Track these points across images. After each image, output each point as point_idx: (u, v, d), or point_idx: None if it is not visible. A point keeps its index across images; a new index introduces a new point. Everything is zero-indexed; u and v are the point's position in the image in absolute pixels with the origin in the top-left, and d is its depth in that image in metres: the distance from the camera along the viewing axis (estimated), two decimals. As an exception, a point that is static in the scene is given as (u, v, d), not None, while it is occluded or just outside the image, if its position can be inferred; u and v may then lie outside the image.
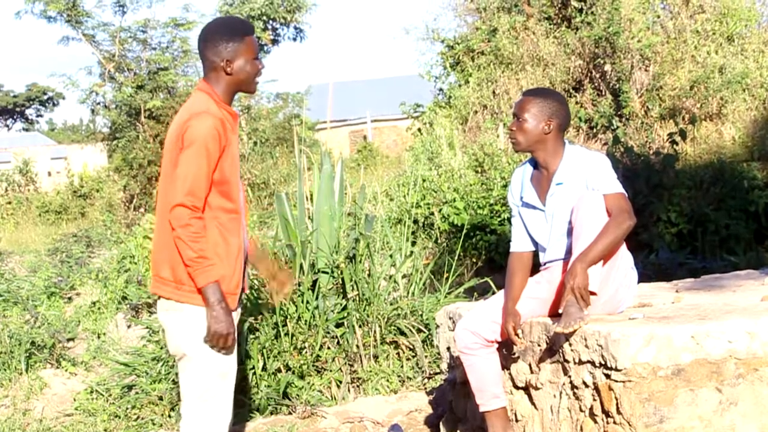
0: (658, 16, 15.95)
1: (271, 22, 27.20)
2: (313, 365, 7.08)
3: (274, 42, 27.86)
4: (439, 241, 12.40)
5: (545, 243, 4.90)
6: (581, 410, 4.54)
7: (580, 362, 4.49)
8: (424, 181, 13.76)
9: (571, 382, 4.58)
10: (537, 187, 4.90)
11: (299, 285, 7.24)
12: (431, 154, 15.35)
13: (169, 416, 7.07)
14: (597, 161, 4.75)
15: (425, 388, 6.92)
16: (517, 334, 4.76)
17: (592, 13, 15.99)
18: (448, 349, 5.82)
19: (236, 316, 4.35)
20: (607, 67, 15.61)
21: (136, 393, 7.50)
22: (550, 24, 17.11)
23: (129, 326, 10.29)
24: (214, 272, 4.14)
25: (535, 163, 4.95)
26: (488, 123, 16.19)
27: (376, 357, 7.20)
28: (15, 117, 70.60)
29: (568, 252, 4.70)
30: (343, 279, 7.27)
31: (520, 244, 5.00)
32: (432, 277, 8.13)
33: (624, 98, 14.87)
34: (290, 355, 7.04)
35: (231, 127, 4.29)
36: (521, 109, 4.82)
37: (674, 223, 10.89)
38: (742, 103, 14.08)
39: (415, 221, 12.44)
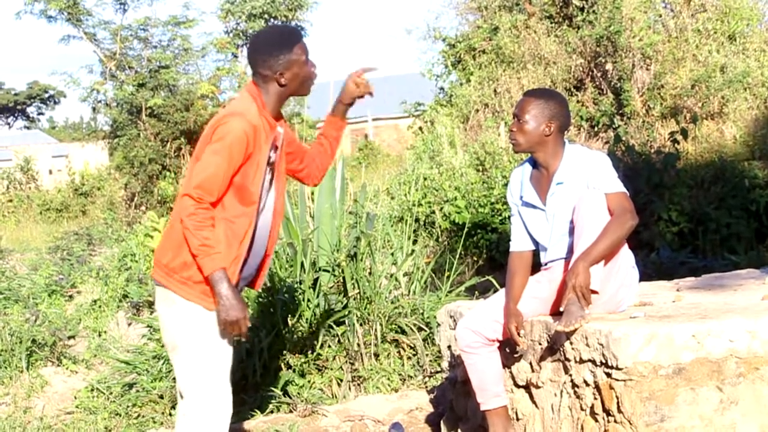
0: (660, 15, 15.94)
1: (272, 20, 27.16)
2: (313, 363, 7.08)
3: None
4: (440, 240, 12.41)
5: (546, 243, 4.89)
6: (582, 409, 4.54)
7: (581, 361, 4.49)
8: (425, 179, 13.77)
9: (572, 380, 4.58)
10: (537, 187, 4.89)
11: (300, 283, 7.24)
12: (432, 153, 15.34)
13: (170, 414, 7.07)
14: (597, 160, 4.75)
15: (426, 387, 6.92)
16: (519, 334, 4.76)
17: (593, 11, 15.98)
18: (449, 347, 5.82)
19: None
20: (609, 66, 15.60)
21: (137, 391, 7.51)
22: (551, 23, 17.09)
23: (130, 324, 10.30)
24: (220, 260, 4.14)
25: (534, 163, 4.94)
26: (489, 121, 16.18)
27: (377, 355, 7.20)
28: (16, 115, 70.70)
29: (570, 251, 4.69)
30: (344, 277, 7.27)
31: (520, 244, 4.99)
32: (433, 275, 8.13)
33: (625, 97, 14.86)
34: (291, 353, 7.04)
35: (265, 136, 4.29)
36: (522, 110, 4.80)
37: (675, 222, 10.88)
38: (743, 102, 14.06)
39: (417, 220, 12.43)
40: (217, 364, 4.31)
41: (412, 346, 7.27)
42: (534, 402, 4.93)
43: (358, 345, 7.14)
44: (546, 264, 4.94)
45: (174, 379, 7.07)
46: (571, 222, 4.70)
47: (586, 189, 4.66)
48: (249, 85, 4.40)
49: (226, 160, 4.15)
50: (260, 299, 7.30)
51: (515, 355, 4.97)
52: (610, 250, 4.54)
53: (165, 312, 4.37)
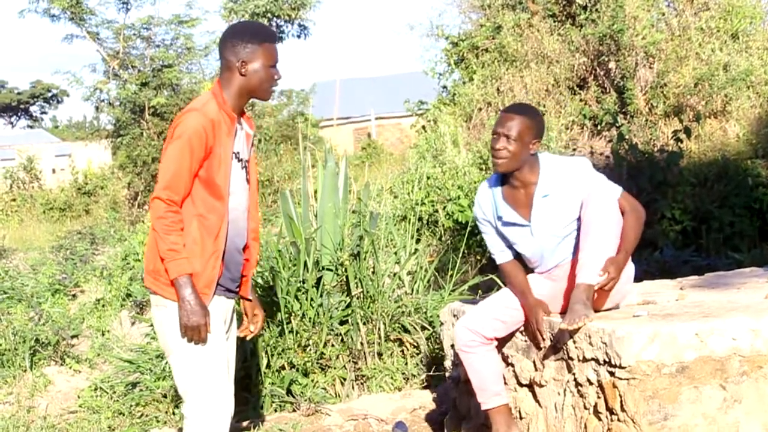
0: (663, 14, 15.92)
1: (275, 19, 27.22)
2: (317, 363, 7.08)
3: (279, 39, 27.87)
4: (443, 239, 12.41)
5: (537, 255, 4.89)
6: (585, 408, 4.54)
7: (585, 359, 4.49)
8: (428, 178, 13.76)
9: (575, 379, 4.59)
10: (514, 204, 4.85)
11: (303, 282, 7.24)
12: (435, 152, 15.35)
13: (173, 413, 7.08)
14: (581, 168, 4.74)
15: (429, 386, 6.92)
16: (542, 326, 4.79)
17: (596, 10, 15.97)
18: (452, 346, 5.82)
19: (216, 311, 4.36)
20: (612, 65, 15.58)
21: (140, 390, 7.51)
22: (554, 21, 17.08)
23: (133, 323, 10.31)
24: (186, 265, 4.18)
25: (502, 180, 4.91)
26: (492, 120, 16.16)
27: (380, 354, 7.20)
28: (19, 114, 70.81)
29: (575, 250, 4.70)
30: (347, 276, 7.27)
31: (505, 255, 5.00)
32: (436, 274, 8.13)
33: (628, 95, 14.85)
34: (294, 352, 7.04)
35: (227, 129, 4.32)
36: (510, 130, 4.70)
37: (678, 221, 10.88)
38: (746, 101, 14.04)
39: (420, 219, 12.44)
40: (211, 363, 4.32)
41: (416, 345, 7.27)
42: (537, 401, 4.93)
43: (362, 344, 7.14)
44: (548, 271, 4.93)
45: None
46: (577, 221, 4.70)
47: (578, 196, 4.67)
48: (213, 86, 4.44)
49: (187, 157, 4.19)
50: (263, 298, 7.30)
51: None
52: (637, 241, 4.66)
53: (156, 317, 4.40)
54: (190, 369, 4.31)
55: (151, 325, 8.26)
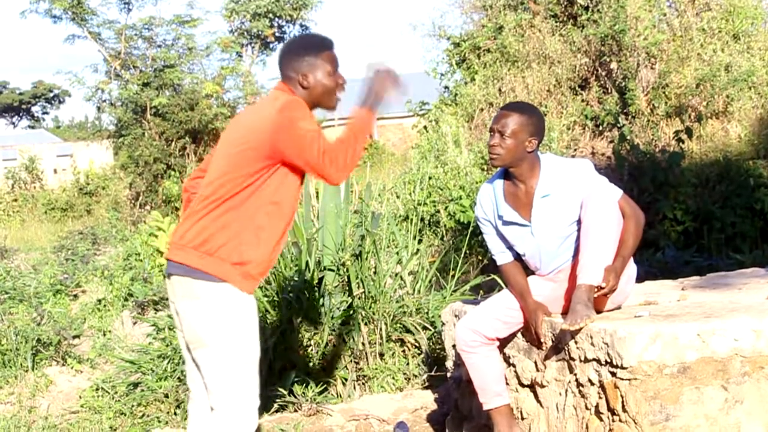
0: (664, 14, 15.91)
1: (276, 19, 27.19)
2: (318, 363, 7.08)
3: (280, 39, 27.87)
4: (445, 239, 12.39)
5: (537, 257, 4.89)
6: (587, 408, 4.54)
7: (586, 360, 4.49)
8: (430, 178, 13.75)
9: (576, 379, 4.59)
10: (514, 204, 4.86)
11: (305, 282, 7.24)
12: (437, 152, 15.33)
13: (175, 413, 7.08)
14: (583, 169, 4.74)
15: (431, 386, 6.92)
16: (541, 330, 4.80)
17: (598, 10, 15.96)
18: (454, 346, 5.82)
19: (253, 303, 4.27)
20: (613, 65, 15.57)
21: (142, 390, 7.51)
22: (556, 22, 17.07)
23: (135, 323, 10.30)
24: (365, 124, 4.31)
25: (505, 178, 4.92)
26: (494, 121, 16.11)
27: (381, 355, 7.20)
28: (21, 114, 70.85)
29: (576, 252, 4.70)
30: (348, 276, 7.27)
31: (506, 256, 5.00)
32: (438, 274, 8.13)
33: (630, 96, 14.84)
34: (296, 352, 7.04)
35: None
36: (505, 126, 4.74)
37: (680, 221, 10.87)
38: (748, 101, 14.03)
39: (421, 219, 12.43)
40: (250, 354, 4.22)
41: (417, 345, 7.27)
42: (539, 401, 4.93)
43: (363, 344, 7.14)
44: (548, 274, 4.93)
45: (179, 378, 7.10)
46: (577, 223, 4.70)
47: (578, 197, 4.67)
48: (280, 84, 4.37)
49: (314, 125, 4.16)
50: (265, 298, 7.30)
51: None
52: (636, 247, 4.68)
53: (189, 308, 4.19)
54: (230, 363, 4.17)
55: (153, 325, 8.26)
